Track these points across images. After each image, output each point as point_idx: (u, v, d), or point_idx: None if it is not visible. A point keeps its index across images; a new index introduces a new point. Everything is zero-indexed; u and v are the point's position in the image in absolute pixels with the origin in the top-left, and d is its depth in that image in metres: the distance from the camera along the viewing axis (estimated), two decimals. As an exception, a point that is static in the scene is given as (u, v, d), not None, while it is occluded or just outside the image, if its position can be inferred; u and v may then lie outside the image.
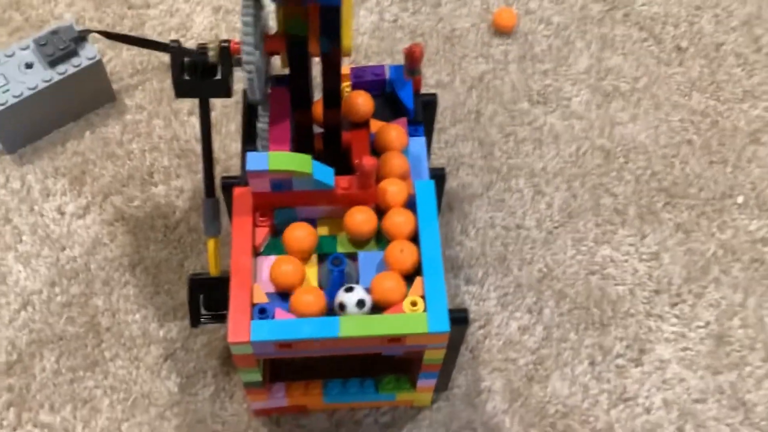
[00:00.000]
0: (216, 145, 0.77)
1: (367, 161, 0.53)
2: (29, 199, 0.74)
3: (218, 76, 0.57)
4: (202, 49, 0.57)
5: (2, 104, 0.71)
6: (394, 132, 0.59)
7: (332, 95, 0.56)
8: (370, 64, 0.83)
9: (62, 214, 0.73)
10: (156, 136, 0.77)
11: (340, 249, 0.57)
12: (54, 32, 0.73)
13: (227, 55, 0.56)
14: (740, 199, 0.76)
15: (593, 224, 0.74)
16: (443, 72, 0.82)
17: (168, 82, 0.80)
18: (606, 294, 0.71)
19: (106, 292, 0.70)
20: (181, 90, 0.58)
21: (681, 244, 0.74)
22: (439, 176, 0.61)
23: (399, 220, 0.55)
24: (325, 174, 0.54)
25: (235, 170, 0.76)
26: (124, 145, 0.77)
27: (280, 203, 0.56)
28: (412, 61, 0.61)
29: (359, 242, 0.56)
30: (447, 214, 0.75)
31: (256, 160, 0.52)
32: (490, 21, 0.85)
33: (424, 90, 0.78)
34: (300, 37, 0.52)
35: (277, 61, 0.58)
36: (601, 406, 0.67)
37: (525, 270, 0.72)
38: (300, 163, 0.52)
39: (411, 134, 0.62)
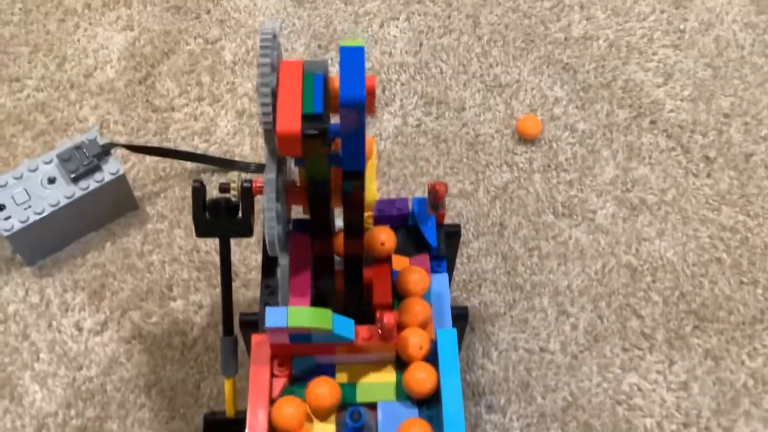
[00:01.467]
0: (236, 257, 0.76)
1: (388, 319, 0.52)
2: (48, 314, 0.73)
3: (239, 216, 0.57)
4: (224, 187, 0.57)
5: (23, 221, 0.70)
6: (417, 275, 0.58)
7: (353, 228, 0.55)
8: (393, 170, 0.82)
9: (80, 330, 0.73)
10: (176, 247, 0.77)
11: (360, 398, 0.55)
12: (77, 147, 0.73)
13: (249, 194, 0.56)
14: (772, 324, 0.74)
15: (620, 349, 0.73)
16: (467, 181, 0.81)
17: (190, 191, 0.79)
18: (633, 427, 0.69)
19: (121, 416, 0.69)
20: (203, 230, 0.58)
21: (710, 372, 0.71)
22: (461, 316, 0.60)
23: (421, 377, 0.54)
24: (345, 327, 0.53)
25: (254, 285, 0.75)
26: (144, 256, 0.76)
27: (299, 353, 0.55)
28: (436, 198, 0.60)
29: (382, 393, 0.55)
30: (469, 335, 0.73)
31: (275, 317, 0.51)
32: (514, 127, 0.84)
33: (447, 199, 0.78)
34: (321, 184, 0.51)
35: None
36: None
37: (549, 398, 0.70)
38: (320, 319, 0.51)
39: (433, 269, 0.61)
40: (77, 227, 0.75)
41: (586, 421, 0.69)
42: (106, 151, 0.74)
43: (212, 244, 0.77)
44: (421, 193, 0.80)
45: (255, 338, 0.55)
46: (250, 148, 0.83)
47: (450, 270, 0.66)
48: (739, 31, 0.92)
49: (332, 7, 0.92)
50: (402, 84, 0.87)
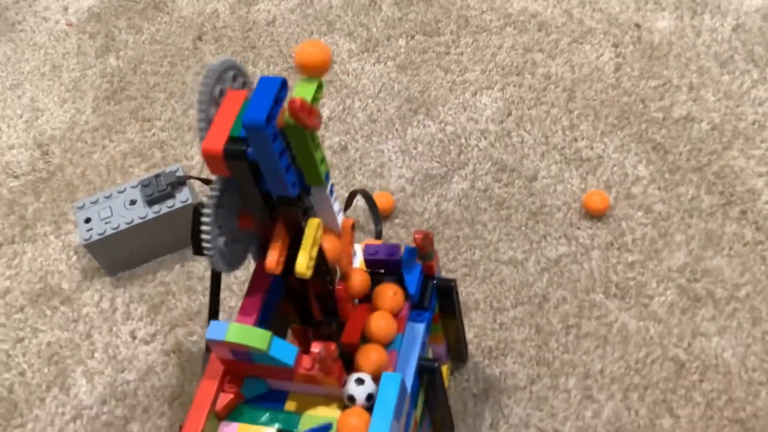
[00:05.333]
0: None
1: (318, 348, 0.52)
2: (112, 320, 0.82)
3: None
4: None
5: (101, 234, 0.80)
6: (383, 321, 0.58)
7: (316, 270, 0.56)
8: (448, 230, 0.82)
9: (134, 338, 0.80)
10: (233, 276, 0.83)
11: (301, 428, 0.56)
12: (158, 176, 0.82)
13: (198, 219, 0.59)
14: (835, 452, 0.63)
15: (641, 446, 0.66)
16: (519, 249, 0.79)
17: (257, 228, 0.85)
18: None
19: (143, 420, 0.74)
20: (198, 248, 0.62)
21: (743, 492, 0.62)
22: (430, 370, 0.59)
23: (354, 423, 0.53)
24: (284, 353, 0.54)
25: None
26: (204, 281, 0.83)
27: (248, 372, 0.57)
28: (419, 247, 0.60)
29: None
30: (481, 402, 0.70)
31: (215, 330, 0.54)
32: (581, 202, 0.81)
33: (494, 266, 0.77)
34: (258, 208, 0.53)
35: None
36: None
37: (548, 483, 0.65)
38: (257, 338, 0.53)
39: (413, 318, 0.60)
40: (153, 247, 0.84)
41: None
42: (181, 181, 0.82)
43: (263, 278, 0.82)
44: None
45: (212, 354, 0.58)
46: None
47: (451, 324, 0.65)
48: None
49: (432, 75, 0.95)
50: (479, 149, 0.87)
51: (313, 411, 0.57)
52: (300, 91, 0.47)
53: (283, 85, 0.47)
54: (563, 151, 0.85)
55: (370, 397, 0.54)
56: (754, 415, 0.65)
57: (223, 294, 0.82)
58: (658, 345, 0.71)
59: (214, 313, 0.61)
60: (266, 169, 0.48)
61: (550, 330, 0.73)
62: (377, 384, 0.55)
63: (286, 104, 0.47)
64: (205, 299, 0.81)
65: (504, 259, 0.79)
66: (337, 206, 0.55)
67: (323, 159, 0.51)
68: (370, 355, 0.57)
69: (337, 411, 0.56)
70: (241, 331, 0.53)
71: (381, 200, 0.82)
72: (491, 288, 0.76)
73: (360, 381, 0.55)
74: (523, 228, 0.80)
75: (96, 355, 0.80)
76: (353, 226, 0.57)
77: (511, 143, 0.87)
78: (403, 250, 0.62)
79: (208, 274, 0.83)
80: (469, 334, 0.74)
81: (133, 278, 0.84)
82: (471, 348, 0.73)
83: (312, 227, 0.52)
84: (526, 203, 0.82)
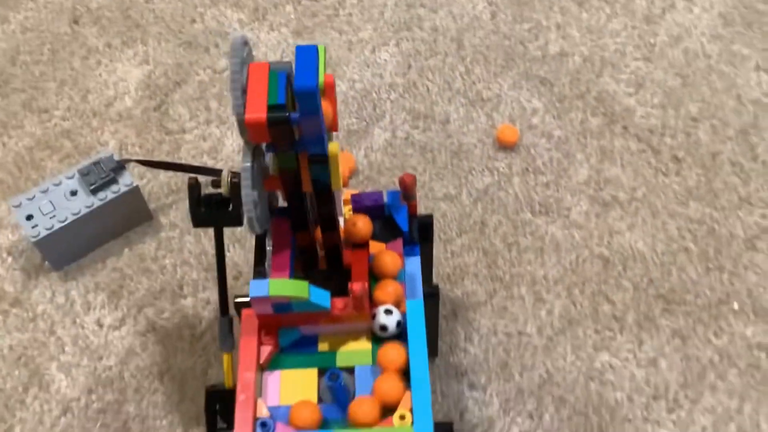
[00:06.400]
0: (241, 258, 0.84)
1: (357, 287, 0.59)
2: (72, 312, 0.81)
3: (230, 208, 0.65)
4: (216, 183, 0.65)
5: (49, 229, 0.79)
6: (389, 258, 0.65)
7: (327, 220, 0.63)
8: (383, 178, 0.89)
9: (101, 326, 0.80)
10: (187, 252, 0.85)
11: (339, 363, 0.62)
12: (96, 163, 0.82)
13: (237, 188, 0.63)
14: (736, 306, 0.79)
15: (592, 331, 0.78)
16: (450, 185, 0.88)
17: (199, 202, 0.88)
18: (604, 400, 0.74)
19: (137, 399, 0.76)
20: (198, 220, 0.65)
21: (678, 350, 0.77)
22: (432, 294, 0.67)
23: (393, 355, 0.60)
24: (321, 297, 0.60)
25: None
26: (158, 260, 0.84)
27: (283, 323, 0.62)
28: (405, 188, 0.67)
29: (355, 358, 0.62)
30: (452, 321, 0.79)
31: (258, 287, 0.58)
32: (495, 137, 0.91)
33: (432, 203, 0.85)
34: (292, 170, 0.58)
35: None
36: None
37: (526, 376, 0.76)
38: (298, 288, 0.58)
39: (407, 254, 0.68)
40: (98, 235, 0.84)
41: (560, 396, 0.75)
42: (121, 165, 0.83)
43: (218, 247, 0.85)
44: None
45: (244, 312, 0.62)
46: (254, 163, 0.91)
47: (429, 256, 0.73)
48: (707, 43, 0.98)
49: (328, 36, 1.01)
50: (391, 102, 0.95)
51: (345, 347, 0.63)
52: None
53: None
54: (466, 94, 0.95)
55: (399, 324, 0.62)
56: (671, 290, 0.80)
57: (182, 269, 0.84)
58: (584, 247, 0.83)
59: (258, 273, 0.64)
60: (308, 130, 0.53)
61: (495, 250, 0.84)
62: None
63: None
64: (165, 277, 0.83)
65: (440, 196, 0.88)
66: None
67: None
68: (388, 289, 0.63)
69: (366, 343, 0.63)
70: (282, 285, 0.58)
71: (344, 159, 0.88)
72: (436, 223, 0.85)
73: (388, 311, 0.62)
74: (449, 167, 0.90)
75: (66, 348, 0.79)
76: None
77: (419, 93, 0.96)
78: (385, 195, 0.69)
79: (161, 254, 0.85)
80: (427, 266, 0.82)
81: (82, 269, 0.84)
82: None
83: (335, 147, 0.57)
84: (446, 144, 0.91)
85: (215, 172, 0.87)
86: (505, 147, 0.91)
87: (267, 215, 0.62)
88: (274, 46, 1.01)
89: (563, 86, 0.95)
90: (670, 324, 0.78)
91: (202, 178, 0.70)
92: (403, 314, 0.62)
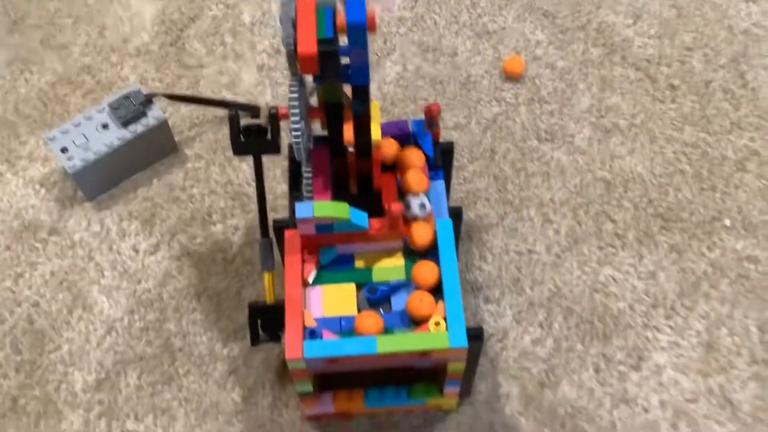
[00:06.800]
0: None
1: (395, 208, 0.64)
2: (108, 240, 0.86)
3: (268, 137, 0.69)
4: (255, 114, 0.69)
5: (84, 160, 0.83)
6: (414, 153, 0.70)
7: (364, 147, 0.67)
8: (396, 109, 0.94)
9: (137, 251, 0.85)
10: (213, 181, 0.89)
11: (375, 278, 0.68)
12: (125, 97, 0.86)
13: (275, 119, 0.68)
14: (728, 222, 0.86)
15: (596, 248, 0.85)
16: (461, 115, 0.93)
17: (222, 133, 0.92)
18: (608, 309, 0.81)
19: (177, 318, 0.82)
20: (238, 149, 0.70)
21: (674, 263, 0.84)
22: (457, 214, 0.72)
23: (425, 272, 0.66)
24: (360, 218, 0.65)
25: (281, 209, 0.87)
26: (186, 190, 0.89)
27: (323, 243, 0.67)
28: (431, 117, 0.72)
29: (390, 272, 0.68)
30: (467, 242, 0.85)
31: (303, 209, 0.63)
32: (501, 68, 0.96)
33: (444, 132, 0.90)
34: (336, 104, 0.63)
35: (317, 122, 0.69)
36: (605, 407, 0.77)
37: (536, 290, 0.83)
38: (339, 210, 0.64)
39: (432, 178, 0.73)
40: (129, 167, 0.88)
41: (568, 307, 0.82)
42: (149, 99, 0.86)
43: (243, 177, 0.90)
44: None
45: (287, 233, 0.67)
46: (271, 96, 0.95)
47: (447, 180, 0.78)
48: (700, -25, 1.03)
49: (337, -29, 1.04)
50: (401, 35, 0.99)
51: (380, 264, 0.68)
52: None
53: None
54: (472, 27, 0.99)
55: (423, 206, 0.67)
56: (668, 209, 0.87)
57: (210, 198, 0.88)
58: (588, 171, 0.89)
59: (295, 197, 0.69)
60: (355, 62, 0.57)
61: (504, 176, 0.89)
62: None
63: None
64: (194, 206, 0.88)
65: (450, 125, 0.93)
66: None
67: None
68: (415, 177, 0.69)
69: (399, 259, 0.68)
70: (326, 207, 0.64)
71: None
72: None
73: (418, 197, 0.67)
74: (458, 97, 0.95)
75: (106, 273, 0.84)
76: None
77: (426, 26, 1.00)
78: (410, 123, 0.74)
79: (188, 183, 0.89)
80: (442, 190, 0.88)
81: (114, 199, 0.88)
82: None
83: (375, 108, 0.63)
84: (455, 76, 0.96)
85: (245, 107, 0.91)
86: (512, 78, 0.95)
87: (308, 143, 0.67)
88: (283, -19, 1.03)
89: (565, 18, 1.00)
90: (668, 240, 0.85)
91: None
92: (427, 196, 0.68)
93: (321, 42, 0.57)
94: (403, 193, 0.70)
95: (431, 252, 0.68)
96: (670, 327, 0.80)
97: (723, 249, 0.84)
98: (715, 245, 0.85)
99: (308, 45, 0.56)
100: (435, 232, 0.67)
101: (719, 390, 0.77)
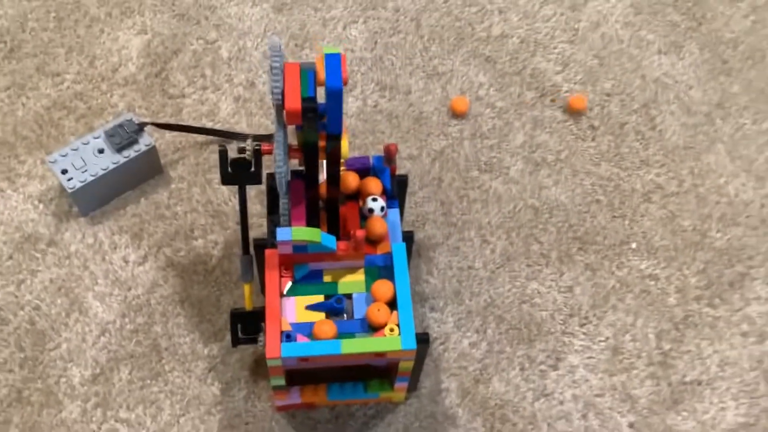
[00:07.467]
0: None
1: (359, 234, 0.78)
2: (101, 251, 0.97)
3: (253, 170, 0.82)
4: (241, 150, 0.82)
5: (82, 181, 0.94)
6: (373, 183, 0.84)
7: (334, 178, 0.81)
8: (357, 140, 1.07)
9: (127, 262, 0.97)
10: (194, 201, 1.02)
11: (340, 291, 0.81)
12: (120, 125, 0.97)
13: (259, 155, 0.81)
14: (634, 245, 1.02)
15: (525, 265, 1.00)
16: (413, 147, 1.07)
17: (203, 157, 1.04)
18: (533, 318, 0.96)
19: (163, 321, 0.94)
20: (226, 180, 0.83)
21: (589, 279, 0.99)
22: (409, 237, 0.86)
23: (383, 289, 0.79)
24: (330, 241, 0.79)
25: (255, 227, 1.00)
26: (170, 208, 1.01)
27: (297, 260, 0.80)
28: (389, 155, 0.86)
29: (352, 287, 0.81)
30: (416, 259, 1.00)
31: (283, 233, 0.76)
32: (449, 106, 1.10)
33: (398, 162, 1.03)
34: (314, 146, 0.76)
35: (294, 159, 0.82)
36: (528, 399, 0.92)
37: (474, 300, 0.97)
38: (313, 234, 0.77)
39: (389, 206, 0.87)
40: (119, 187, 0.99)
41: (500, 315, 0.96)
42: (141, 128, 0.98)
43: (222, 197, 1.02)
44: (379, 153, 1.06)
45: (268, 252, 0.80)
46: (247, 124, 1.08)
47: (401, 207, 0.92)
48: (620, 29, 1.19)
49: (304, 13, 1.17)
50: (362, 74, 1.13)
51: (344, 279, 0.82)
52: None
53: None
54: (424, 68, 1.14)
55: (383, 209, 0.82)
56: (585, 233, 1.02)
57: (192, 215, 1.01)
58: (520, 199, 1.04)
59: (271, 220, 0.82)
60: (331, 116, 0.71)
61: (450, 201, 1.04)
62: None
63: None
64: (178, 222, 1.00)
65: (404, 155, 1.07)
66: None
67: None
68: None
69: (361, 275, 0.82)
70: (302, 231, 0.77)
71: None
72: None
73: (374, 199, 0.81)
74: (411, 131, 1.09)
75: (99, 281, 0.96)
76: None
77: (384, 67, 1.13)
78: (372, 159, 0.88)
79: (172, 202, 1.01)
80: (395, 213, 1.02)
81: (106, 215, 1.00)
82: (399, 222, 1.01)
83: (345, 145, 0.76)
84: (408, 112, 1.10)
85: (225, 135, 1.03)
86: (457, 115, 1.10)
87: (288, 179, 0.80)
88: (257, 20, 1.16)
89: (504, 64, 1.15)
90: (584, 259, 1.00)
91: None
92: (385, 201, 0.83)
93: (305, 100, 0.70)
94: (363, 196, 0.84)
95: (387, 270, 0.82)
96: (584, 333, 0.96)
97: (629, 268, 1.00)
98: (623, 265, 1.00)
99: (294, 102, 0.70)
100: (387, 226, 0.82)
101: (621, 387, 0.93)
